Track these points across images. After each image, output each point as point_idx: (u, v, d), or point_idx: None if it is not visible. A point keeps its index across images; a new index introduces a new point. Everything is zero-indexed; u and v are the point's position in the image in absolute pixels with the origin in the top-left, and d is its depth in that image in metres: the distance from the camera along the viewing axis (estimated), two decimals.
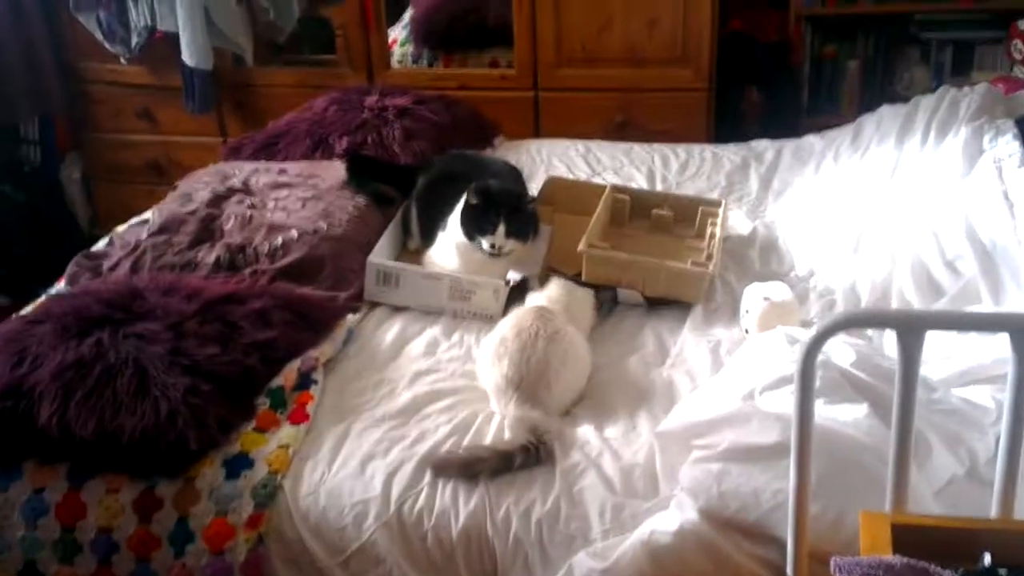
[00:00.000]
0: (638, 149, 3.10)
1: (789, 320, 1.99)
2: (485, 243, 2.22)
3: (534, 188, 2.64)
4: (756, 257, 2.41)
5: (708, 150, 3.07)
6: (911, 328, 1.23)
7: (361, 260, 2.28)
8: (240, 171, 2.65)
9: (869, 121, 2.93)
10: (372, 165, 2.72)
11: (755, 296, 2.06)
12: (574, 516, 1.61)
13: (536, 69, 3.59)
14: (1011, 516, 1.29)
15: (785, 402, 1.57)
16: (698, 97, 3.52)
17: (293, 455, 1.76)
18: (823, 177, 2.78)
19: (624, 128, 3.50)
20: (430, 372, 2.00)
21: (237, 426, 1.81)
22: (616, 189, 2.53)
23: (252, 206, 2.45)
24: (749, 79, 3.70)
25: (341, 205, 2.46)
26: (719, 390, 1.75)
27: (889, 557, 1.15)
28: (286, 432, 1.81)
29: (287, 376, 1.91)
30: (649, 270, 2.18)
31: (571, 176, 2.87)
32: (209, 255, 2.29)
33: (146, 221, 2.51)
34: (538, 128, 3.62)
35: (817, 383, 1.43)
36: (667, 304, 2.19)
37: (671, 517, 1.54)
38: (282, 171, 2.65)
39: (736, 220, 2.58)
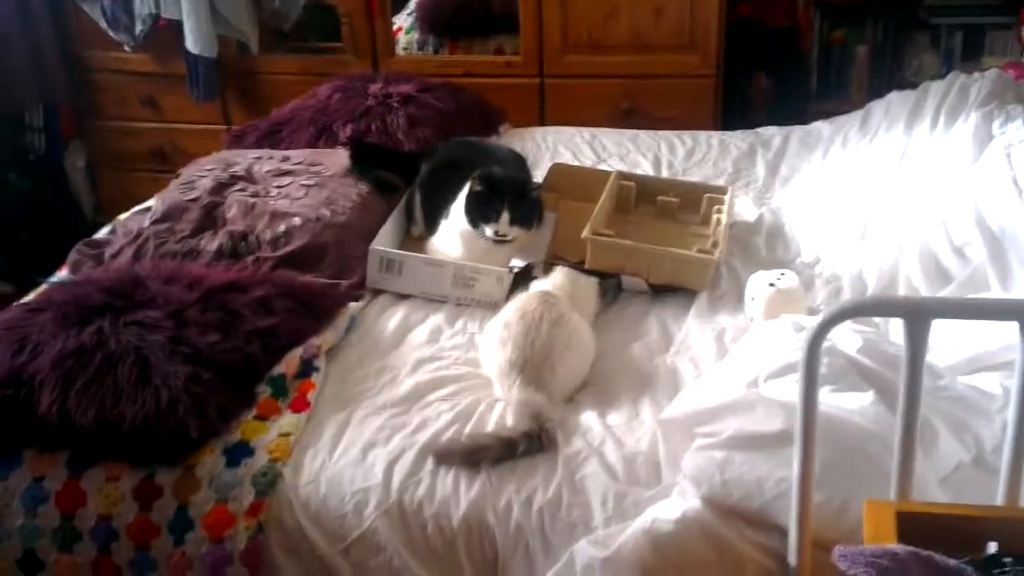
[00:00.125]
0: (644, 136, 3.08)
1: (795, 307, 1.97)
2: (489, 230, 2.21)
3: (539, 175, 2.63)
4: (762, 244, 2.39)
5: (715, 137, 3.05)
6: (918, 316, 1.22)
7: (364, 247, 2.27)
8: (243, 159, 2.64)
9: (878, 107, 2.91)
10: (375, 152, 2.71)
11: (761, 283, 2.04)
12: (576, 504, 1.59)
13: (542, 56, 3.57)
14: (1017, 504, 1.28)
15: (790, 390, 1.55)
16: (705, 83, 3.50)
17: (294, 443, 1.75)
18: (831, 163, 2.75)
19: (630, 115, 3.48)
20: (433, 360, 1.98)
21: (238, 414, 1.79)
22: (621, 176, 2.51)
23: (255, 194, 2.44)
24: (757, 65, 3.68)
25: (344, 192, 2.45)
26: (723, 377, 1.73)
27: (894, 546, 1.14)
28: (287, 420, 1.80)
29: (288, 364, 1.90)
30: (654, 257, 2.17)
31: (577, 163, 2.85)
32: (212, 243, 2.28)
33: (149, 209, 2.50)
34: (544, 115, 3.60)
35: (823, 370, 1.42)
36: (672, 291, 2.18)
37: (674, 505, 1.53)
38: (285, 159, 2.64)
39: (742, 207, 2.56)
